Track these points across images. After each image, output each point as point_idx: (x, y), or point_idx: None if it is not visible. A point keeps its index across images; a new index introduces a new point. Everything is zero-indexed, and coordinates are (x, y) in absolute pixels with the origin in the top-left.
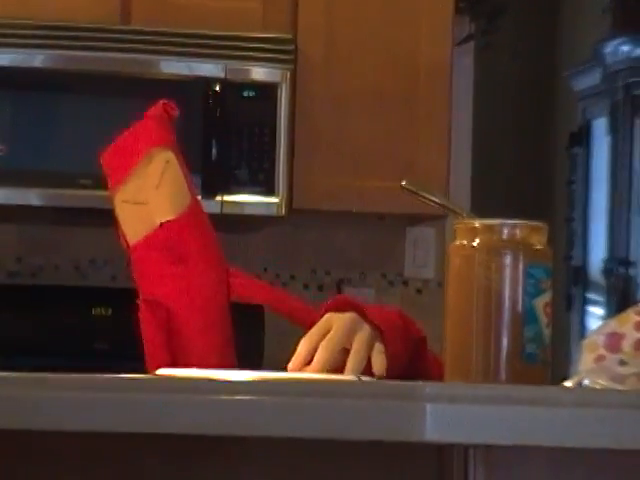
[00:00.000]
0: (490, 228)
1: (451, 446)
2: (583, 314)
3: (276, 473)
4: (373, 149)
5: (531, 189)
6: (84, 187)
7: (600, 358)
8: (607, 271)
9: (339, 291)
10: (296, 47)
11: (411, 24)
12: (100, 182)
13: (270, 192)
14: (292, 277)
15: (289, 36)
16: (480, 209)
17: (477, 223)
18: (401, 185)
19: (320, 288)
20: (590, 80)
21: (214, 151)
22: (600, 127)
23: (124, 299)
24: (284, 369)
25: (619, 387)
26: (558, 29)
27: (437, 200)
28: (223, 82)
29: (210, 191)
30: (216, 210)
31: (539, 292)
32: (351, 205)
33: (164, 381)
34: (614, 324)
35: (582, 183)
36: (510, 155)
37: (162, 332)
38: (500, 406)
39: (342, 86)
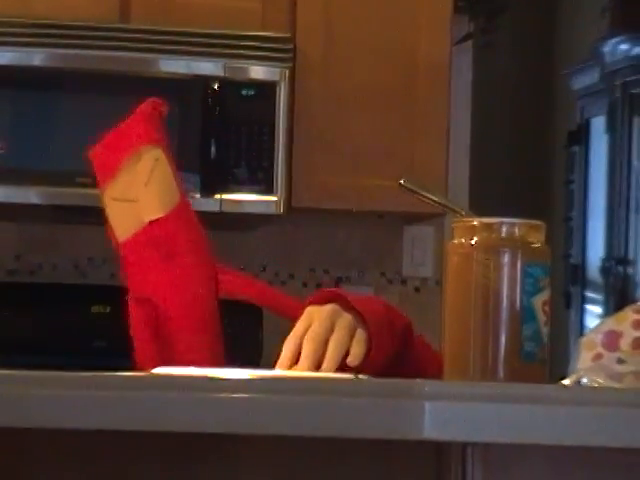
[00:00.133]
0: (488, 226)
1: (449, 444)
2: (581, 312)
3: (275, 471)
4: (372, 148)
5: (529, 188)
6: (83, 185)
7: (598, 356)
8: (605, 269)
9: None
10: (295, 46)
11: (410, 23)
12: None
13: (269, 191)
14: (291, 276)
15: (288, 35)
16: (478, 207)
17: (475, 221)
18: (400, 184)
19: (319, 286)
20: (588, 79)
21: (213, 149)
22: (598, 126)
23: (123, 297)
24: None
25: (617, 385)
26: (557, 28)
27: (436, 199)
28: (222, 81)
29: (209, 189)
30: (215, 208)
31: (537, 290)
32: (350, 204)
33: (163, 379)
34: (612, 322)
35: (580, 182)
36: (508, 154)
37: (151, 329)
38: (498, 404)
39: (341, 85)
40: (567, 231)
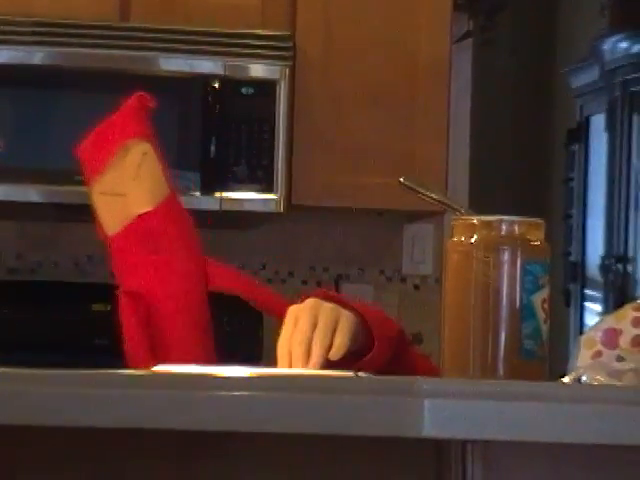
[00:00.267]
0: (488, 224)
1: (449, 442)
2: (581, 310)
3: (275, 469)
4: (372, 146)
5: (529, 185)
6: (83, 183)
7: (598, 354)
8: (605, 267)
9: (337, 287)
10: (295, 44)
11: (410, 21)
12: None
13: (269, 189)
14: (291, 273)
15: (288, 33)
16: (478, 205)
17: (475, 219)
18: (400, 181)
19: (319, 284)
20: (588, 77)
21: (213, 148)
22: (598, 124)
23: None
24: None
25: (616, 383)
26: (556, 26)
27: (435, 197)
28: (222, 79)
29: (209, 188)
30: (215, 207)
31: (537, 288)
32: (349, 201)
33: (164, 377)
34: (611, 320)
35: (580, 179)
36: (508, 152)
37: (140, 322)
38: (498, 402)
39: (341, 83)
40: (567, 229)
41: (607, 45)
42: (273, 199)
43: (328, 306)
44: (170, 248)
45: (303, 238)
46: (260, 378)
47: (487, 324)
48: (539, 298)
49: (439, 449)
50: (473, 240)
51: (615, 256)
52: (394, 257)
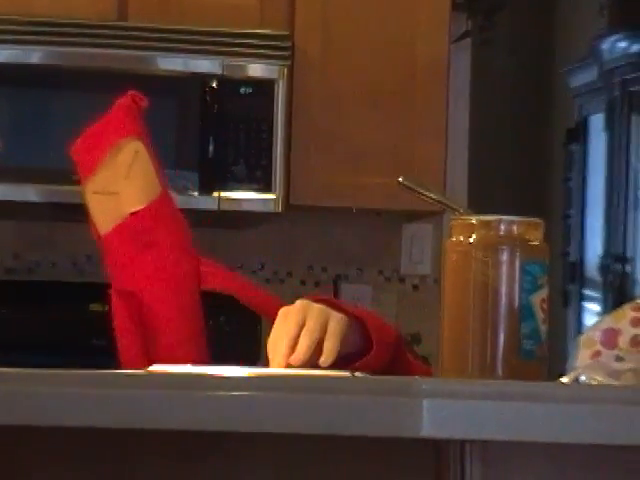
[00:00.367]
0: (487, 224)
1: (448, 442)
2: (580, 310)
3: (273, 469)
4: (370, 145)
5: (528, 185)
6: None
7: (596, 354)
8: (603, 267)
9: (336, 287)
10: (293, 44)
11: (408, 21)
12: None
13: (267, 188)
14: (289, 273)
15: (286, 32)
16: (477, 205)
17: (474, 219)
18: (398, 181)
19: (317, 284)
20: (587, 76)
21: (211, 147)
22: (597, 123)
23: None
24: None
25: (615, 383)
26: (555, 26)
27: (434, 196)
28: (220, 78)
29: (207, 187)
30: (213, 207)
31: (536, 288)
32: (348, 201)
33: (162, 377)
34: (610, 320)
35: (579, 179)
36: (507, 151)
37: (133, 321)
38: (497, 402)
39: (339, 82)
40: (565, 229)
41: (606, 45)
42: (271, 199)
43: (317, 307)
44: (162, 246)
45: (301, 238)
46: (259, 378)
47: (486, 324)
48: (538, 298)
49: (438, 449)
50: (472, 240)
51: (614, 256)
52: (393, 257)
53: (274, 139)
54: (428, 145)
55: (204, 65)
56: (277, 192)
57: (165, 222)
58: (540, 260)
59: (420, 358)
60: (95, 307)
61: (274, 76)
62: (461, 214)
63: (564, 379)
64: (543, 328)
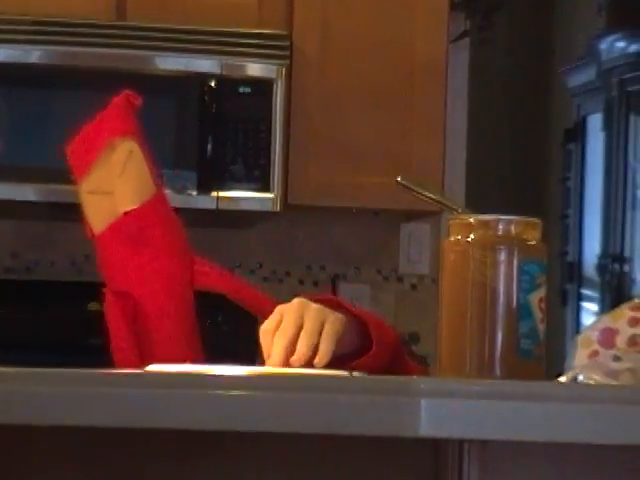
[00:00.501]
0: (485, 224)
1: (446, 441)
2: (577, 310)
3: (272, 468)
4: (368, 145)
5: (526, 185)
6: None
7: (594, 354)
8: (601, 267)
9: (334, 287)
10: (292, 43)
11: (406, 20)
12: None
13: (265, 188)
14: (287, 273)
15: (285, 32)
16: (475, 205)
17: (472, 219)
18: (396, 181)
19: (315, 284)
20: (585, 76)
21: (209, 147)
22: (595, 123)
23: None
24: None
25: (613, 382)
26: (553, 25)
27: (432, 196)
28: (219, 78)
29: (206, 187)
30: (211, 206)
31: (534, 288)
32: (346, 201)
33: (161, 376)
34: (608, 320)
35: (577, 179)
36: (505, 151)
37: (127, 321)
38: (495, 401)
39: (337, 82)
40: (563, 229)
41: (604, 45)
42: (270, 198)
43: (315, 307)
44: (155, 246)
45: (300, 237)
46: (257, 377)
47: (484, 324)
48: (536, 297)
49: (436, 449)
50: (470, 239)
51: (612, 256)
52: (391, 256)
53: (272, 139)
54: (426, 145)
55: (203, 65)
56: (275, 191)
57: (159, 222)
58: (538, 260)
59: (417, 358)
60: (93, 306)
61: (273, 76)
62: (459, 214)
63: (562, 378)
64: (541, 328)
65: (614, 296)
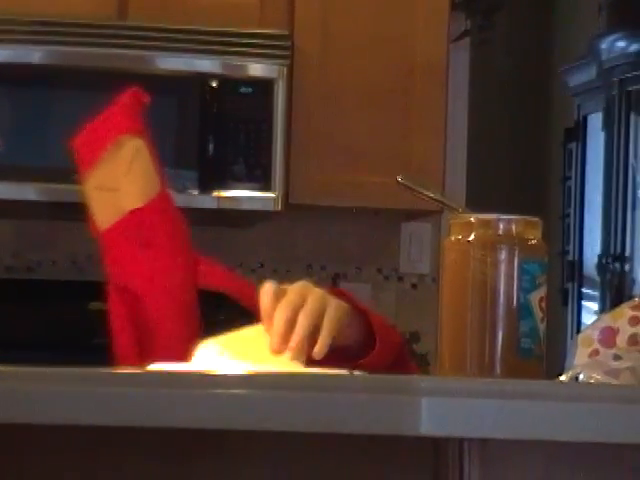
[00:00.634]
0: (485, 223)
1: (446, 440)
2: (578, 309)
3: (272, 467)
4: (369, 145)
5: (526, 184)
6: (80, 182)
7: (595, 353)
8: (602, 266)
9: (334, 286)
10: (293, 43)
11: (407, 20)
12: None
13: (266, 187)
14: (288, 272)
15: (286, 32)
16: (475, 204)
17: (472, 218)
18: (397, 180)
19: (316, 283)
20: (585, 76)
21: (211, 147)
22: (595, 123)
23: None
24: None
25: (613, 381)
26: (553, 25)
27: (433, 195)
28: (220, 78)
29: (207, 186)
30: (213, 205)
31: (534, 287)
32: (347, 200)
33: (161, 376)
34: (608, 319)
35: (577, 179)
36: (505, 150)
37: (129, 318)
38: (495, 400)
39: (338, 82)
40: (564, 228)
41: (604, 44)
42: (271, 198)
43: (317, 290)
44: (160, 244)
45: (300, 237)
46: (258, 376)
47: (484, 323)
48: (536, 297)
49: (436, 447)
50: (470, 239)
51: (612, 255)
52: (391, 256)
53: (273, 138)
54: (427, 144)
55: (204, 64)
56: (276, 191)
57: (164, 220)
58: (539, 259)
59: (416, 358)
60: (95, 306)
61: (274, 75)
62: (460, 213)
63: (562, 377)
64: (541, 327)
65: (614, 295)
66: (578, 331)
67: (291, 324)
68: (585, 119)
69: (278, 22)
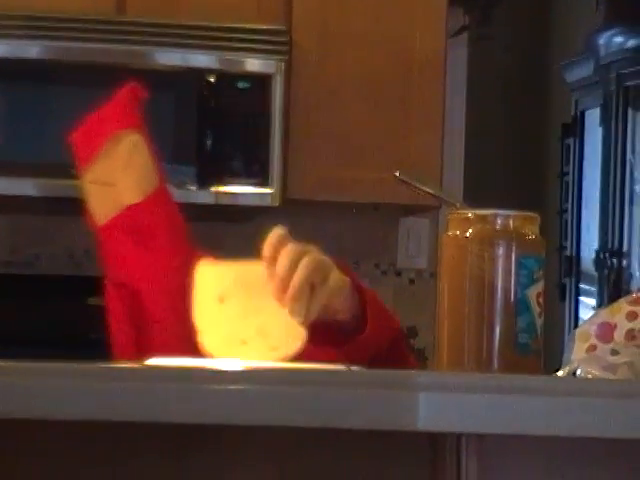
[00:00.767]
0: (483, 218)
1: (444, 435)
2: (576, 304)
3: (270, 461)
4: (367, 140)
5: (524, 180)
6: (78, 177)
7: (592, 348)
8: (599, 262)
9: None
10: (290, 38)
11: (405, 16)
12: None
13: (264, 183)
14: None
15: (283, 27)
16: (473, 200)
17: (470, 214)
18: (395, 176)
19: None
20: (583, 71)
21: (208, 142)
22: (593, 118)
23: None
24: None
25: (611, 376)
26: (551, 21)
27: (431, 191)
28: (218, 73)
29: (204, 182)
30: (210, 201)
31: (532, 282)
32: (345, 196)
33: (160, 370)
34: (606, 314)
35: (575, 174)
36: (503, 146)
37: (127, 313)
38: (493, 395)
39: (336, 77)
40: (561, 223)
41: (602, 39)
42: (268, 193)
43: (325, 257)
44: (158, 239)
45: (298, 232)
46: (256, 371)
47: (482, 318)
48: (534, 292)
49: (434, 442)
50: (468, 234)
51: (610, 250)
52: (389, 251)
53: (271, 133)
54: (425, 139)
55: (202, 60)
56: (274, 186)
57: (161, 216)
58: (536, 254)
59: (414, 353)
60: (93, 301)
61: (271, 71)
62: (457, 208)
63: (560, 373)
64: (539, 322)
65: (612, 290)
66: (576, 326)
67: (293, 270)
68: (583, 114)
69: (276, 17)
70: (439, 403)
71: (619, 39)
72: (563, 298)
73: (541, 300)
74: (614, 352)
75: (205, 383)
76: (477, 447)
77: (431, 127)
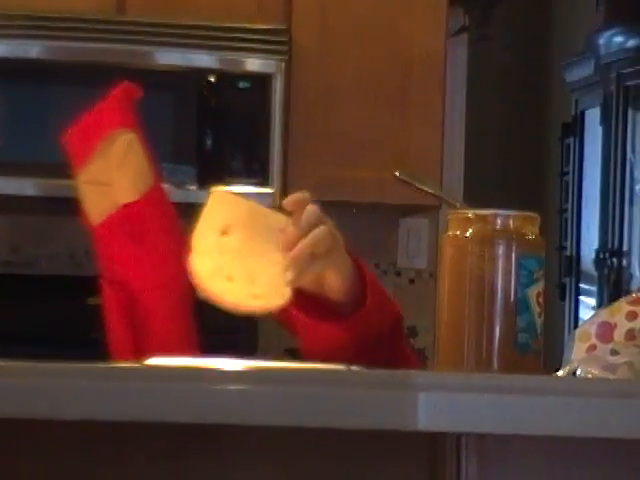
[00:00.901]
0: (483, 218)
1: (444, 435)
2: (576, 304)
3: (270, 462)
4: (367, 139)
5: (524, 180)
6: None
7: (592, 348)
8: (599, 261)
9: None
10: (290, 38)
11: (405, 15)
12: None
13: (264, 182)
14: None
15: (283, 27)
16: (473, 199)
17: (470, 213)
18: (395, 175)
19: None
20: (583, 71)
21: (208, 142)
22: (593, 118)
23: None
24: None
25: (611, 376)
26: (551, 20)
27: (431, 190)
28: (218, 73)
29: (204, 182)
30: None
31: (532, 282)
32: (345, 195)
33: (160, 370)
34: (606, 314)
35: (575, 173)
36: (503, 146)
37: (123, 312)
38: (492, 395)
39: (336, 77)
40: (561, 223)
41: (602, 39)
42: (269, 193)
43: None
44: (153, 238)
45: None
46: (256, 371)
47: (482, 318)
48: (534, 292)
49: (434, 442)
50: (468, 234)
51: (610, 250)
52: (389, 251)
53: (271, 133)
54: (425, 139)
55: (202, 59)
56: (274, 186)
57: (157, 214)
58: (536, 254)
59: (415, 352)
60: (93, 300)
61: (271, 70)
62: (457, 208)
63: (560, 372)
64: (539, 322)
65: (612, 290)
66: (575, 326)
67: (305, 234)
68: (583, 114)
69: (276, 17)
70: (439, 403)
71: (619, 39)
72: (563, 298)
73: (541, 300)
74: (614, 352)
75: (205, 383)
76: (477, 447)
77: (431, 127)
